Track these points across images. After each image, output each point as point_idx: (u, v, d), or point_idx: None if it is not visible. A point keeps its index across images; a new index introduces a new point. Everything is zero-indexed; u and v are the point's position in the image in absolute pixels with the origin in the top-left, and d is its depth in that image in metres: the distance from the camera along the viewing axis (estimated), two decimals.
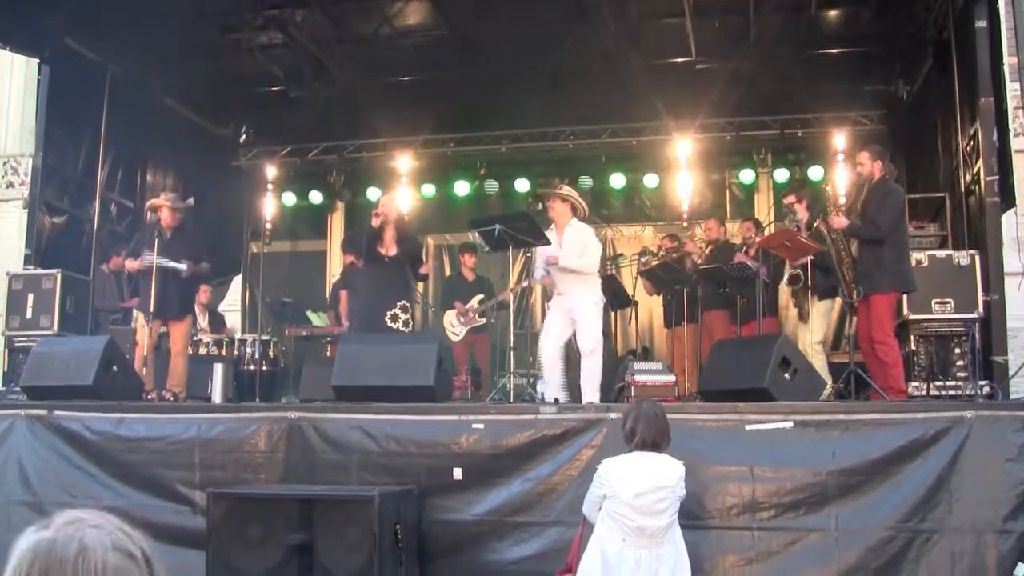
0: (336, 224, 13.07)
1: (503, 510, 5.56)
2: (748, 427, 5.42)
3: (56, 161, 9.07)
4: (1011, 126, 8.09)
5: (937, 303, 7.42)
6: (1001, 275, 7.38)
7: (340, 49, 9.70)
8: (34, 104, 9.48)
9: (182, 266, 7.86)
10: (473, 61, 9.66)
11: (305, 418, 6.02)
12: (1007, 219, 7.74)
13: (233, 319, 11.93)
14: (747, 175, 11.77)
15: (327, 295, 11.59)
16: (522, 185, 11.90)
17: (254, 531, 5.21)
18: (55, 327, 8.14)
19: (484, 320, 9.80)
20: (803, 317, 8.06)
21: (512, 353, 7.33)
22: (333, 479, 5.83)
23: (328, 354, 9.35)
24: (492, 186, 12.21)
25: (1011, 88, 8.91)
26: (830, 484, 5.21)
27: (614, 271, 10.65)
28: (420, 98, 10.54)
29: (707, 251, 9.32)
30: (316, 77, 9.95)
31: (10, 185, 15.57)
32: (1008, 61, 8.00)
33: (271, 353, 9.54)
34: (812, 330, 7.85)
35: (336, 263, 12.47)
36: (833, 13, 9.05)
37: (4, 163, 15.75)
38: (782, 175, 11.42)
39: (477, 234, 7.56)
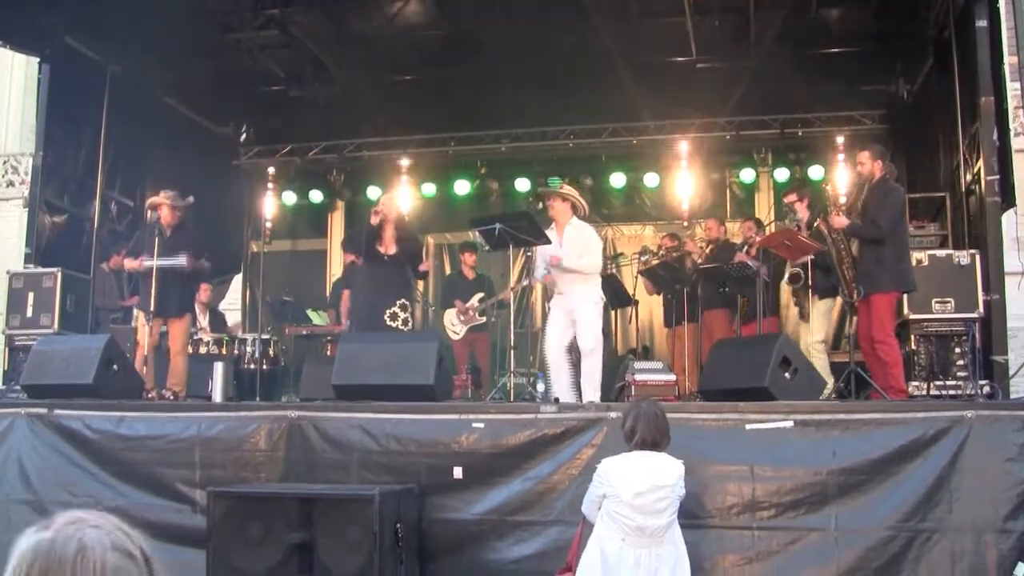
0: (336, 223, 13.08)
1: (503, 509, 5.56)
2: (748, 426, 5.42)
3: (56, 160, 9.06)
4: (1011, 125, 8.09)
5: (937, 303, 7.42)
6: (1001, 275, 7.39)
7: (340, 48, 9.69)
8: (34, 103, 9.48)
9: (181, 260, 7.84)
10: (473, 60, 9.65)
11: (305, 417, 6.02)
12: (1007, 218, 7.75)
13: (233, 318, 11.93)
14: (747, 174, 11.77)
15: (327, 294, 11.59)
16: (522, 184, 11.91)
17: (254, 530, 5.21)
18: (55, 326, 8.14)
19: (484, 319, 9.80)
20: (804, 316, 8.07)
21: (512, 352, 7.33)
22: (333, 478, 5.83)
23: (328, 353, 9.35)
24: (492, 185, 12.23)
25: (1011, 87, 8.93)
26: (830, 483, 5.21)
27: (614, 270, 10.65)
28: (420, 97, 10.53)
29: (707, 250, 9.32)
30: (316, 76, 9.94)
31: (10, 184, 15.58)
32: (1008, 60, 8.01)
33: (271, 352, 9.54)
34: (813, 330, 7.85)
35: (336, 262, 12.48)
36: (834, 12, 9.05)
37: (4, 162, 15.76)
38: (782, 174, 11.42)
39: (477, 233, 7.57)
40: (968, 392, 7.02)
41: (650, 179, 11.66)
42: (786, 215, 9.21)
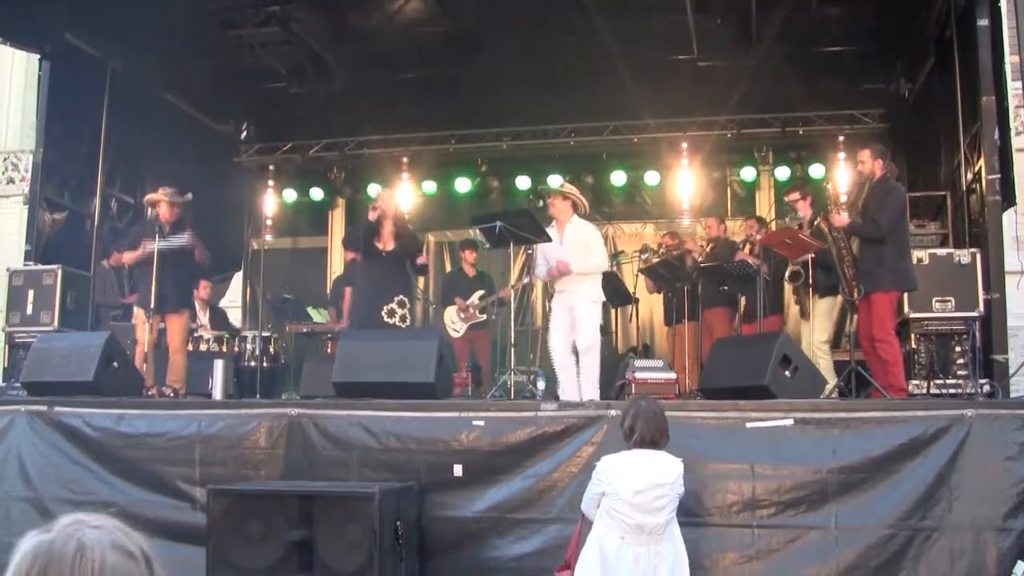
0: (337, 221, 13.09)
1: (503, 507, 5.56)
2: (749, 425, 5.42)
3: (57, 157, 9.06)
4: (1012, 124, 8.09)
5: (938, 301, 7.43)
6: (1002, 273, 7.39)
7: (341, 45, 9.69)
8: (35, 100, 9.48)
9: (183, 239, 7.83)
10: (474, 58, 9.65)
11: (305, 415, 6.02)
12: (1007, 217, 7.75)
13: (234, 315, 11.93)
14: (748, 173, 11.77)
15: (328, 292, 11.60)
16: (523, 182, 11.91)
17: (254, 527, 5.22)
18: (55, 323, 8.13)
19: (484, 316, 9.79)
20: (804, 315, 8.07)
21: (513, 350, 7.33)
22: (333, 475, 5.83)
23: (329, 350, 9.35)
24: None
25: (1012, 86, 8.93)
26: (830, 482, 5.21)
27: (615, 268, 10.65)
28: (421, 95, 10.54)
29: (708, 249, 9.32)
30: (317, 74, 9.94)
31: (10, 181, 15.57)
32: (1010, 59, 8.00)
33: (272, 349, 9.54)
34: (816, 330, 7.84)
35: (337, 260, 12.48)
36: (835, 11, 9.04)
37: (4, 159, 15.75)
38: (783, 173, 11.42)
39: (478, 230, 7.57)
40: (968, 391, 7.03)
41: (651, 177, 11.66)
42: (787, 213, 9.21)
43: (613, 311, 10.95)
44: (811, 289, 7.78)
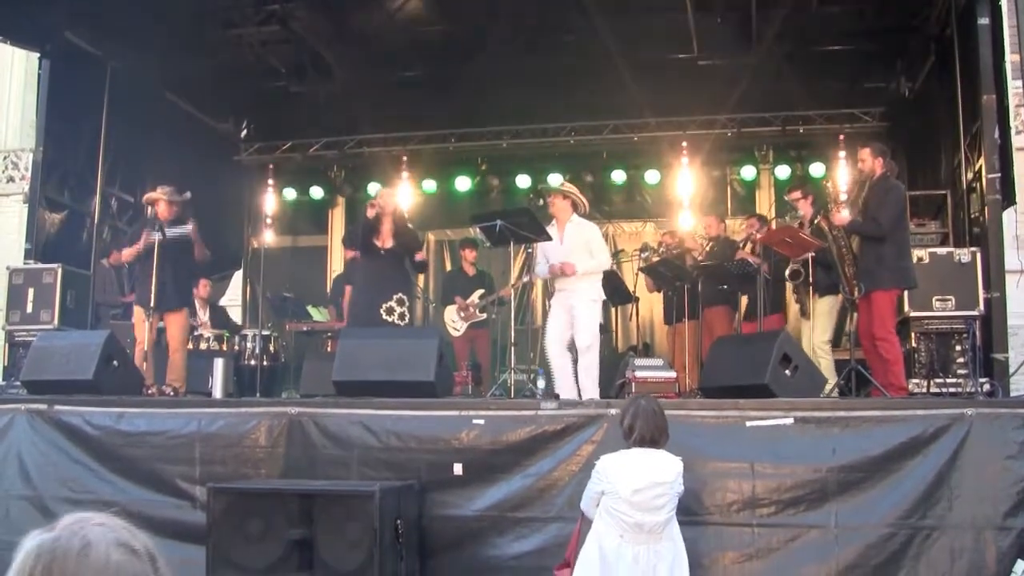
0: (337, 219, 13.08)
1: (503, 506, 5.56)
2: (749, 423, 5.42)
3: (57, 156, 9.05)
4: (1012, 123, 8.09)
5: (938, 300, 7.43)
6: (1002, 272, 7.39)
7: (341, 44, 9.68)
8: (34, 98, 9.47)
9: (188, 228, 7.83)
10: (474, 57, 9.65)
11: (305, 413, 6.02)
12: (1007, 216, 7.75)
13: (234, 314, 11.93)
14: (748, 171, 11.77)
15: (328, 290, 11.60)
16: (523, 181, 11.90)
17: (254, 526, 5.22)
18: (55, 322, 8.13)
19: (485, 315, 9.79)
20: (804, 314, 8.07)
21: (513, 349, 7.33)
22: (333, 474, 5.82)
23: (329, 349, 9.36)
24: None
25: (1013, 85, 8.92)
26: (830, 481, 5.21)
27: (615, 267, 10.65)
28: (421, 93, 10.52)
29: (708, 247, 9.31)
30: (317, 72, 9.93)
31: (10, 180, 15.58)
32: (1010, 58, 8.00)
33: (272, 348, 9.55)
34: (817, 329, 7.84)
35: (337, 258, 12.49)
36: (836, 10, 9.04)
37: (4, 158, 15.75)
38: (783, 172, 11.41)
39: (478, 229, 7.57)
40: (968, 390, 7.03)
41: (651, 176, 11.66)
42: (787, 212, 9.21)
43: (613, 310, 10.96)
44: (811, 288, 7.78)
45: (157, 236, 7.66)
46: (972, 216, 8.03)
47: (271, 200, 12.34)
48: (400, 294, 7.69)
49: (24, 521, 5.98)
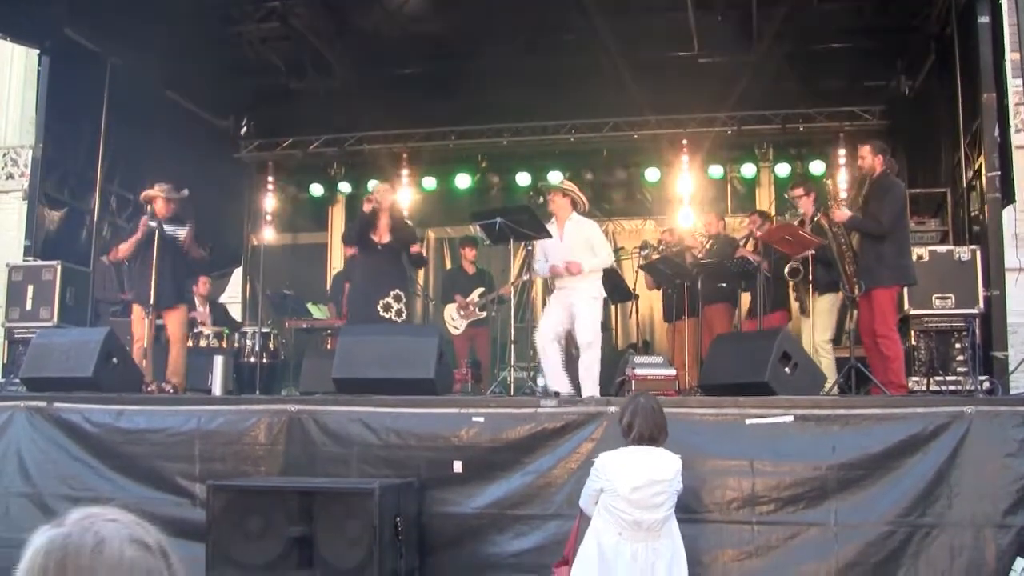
0: (336, 216, 13.07)
1: (503, 503, 5.57)
2: (748, 421, 5.42)
3: (56, 152, 9.04)
4: (1012, 122, 8.09)
5: (938, 298, 7.43)
6: (1001, 270, 7.39)
7: (341, 41, 9.68)
8: (34, 95, 9.45)
9: (183, 231, 7.82)
10: (474, 54, 9.64)
11: (305, 411, 6.02)
12: (1007, 214, 7.75)
13: (234, 311, 11.93)
14: (748, 169, 11.76)
15: (327, 288, 11.60)
16: (523, 178, 11.89)
17: (254, 523, 5.22)
18: (55, 319, 8.13)
19: (484, 314, 9.79)
20: (804, 312, 8.06)
21: (513, 346, 7.33)
22: (333, 472, 5.83)
23: (328, 346, 9.36)
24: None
25: (1013, 84, 8.92)
26: (830, 478, 5.21)
27: (614, 264, 10.64)
28: (421, 91, 10.52)
29: (707, 245, 9.31)
30: (317, 69, 9.93)
31: (10, 176, 15.55)
32: (1010, 56, 7.99)
33: (271, 345, 9.54)
34: (818, 328, 7.82)
35: (337, 255, 12.48)
36: (836, 8, 9.04)
37: (4, 154, 15.73)
38: (783, 170, 11.41)
39: (478, 227, 7.56)
40: (968, 388, 7.02)
41: (651, 174, 11.65)
42: (787, 210, 9.20)
43: (613, 308, 10.95)
44: (811, 286, 7.78)
45: (154, 225, 7.64)
46: (972, 214, 8.03)
47: (271, 197, 12.34)
48: (397, 290, 7.67)
49: (24, 518, 5.99)
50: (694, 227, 10.16)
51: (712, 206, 11.05)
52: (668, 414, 4.69)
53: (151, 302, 7.61)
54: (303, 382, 8.20)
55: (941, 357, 7.40)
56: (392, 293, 7.61)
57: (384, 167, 11.97)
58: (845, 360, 7.04)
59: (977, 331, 7.24)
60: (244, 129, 12.37)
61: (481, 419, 5.71)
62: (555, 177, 10.56)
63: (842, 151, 10.40)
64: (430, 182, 12.19)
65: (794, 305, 8.44)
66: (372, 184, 11.66)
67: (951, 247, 7.71)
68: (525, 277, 9.40)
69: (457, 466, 5.65)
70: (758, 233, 8.49)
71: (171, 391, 7.55)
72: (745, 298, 9.08)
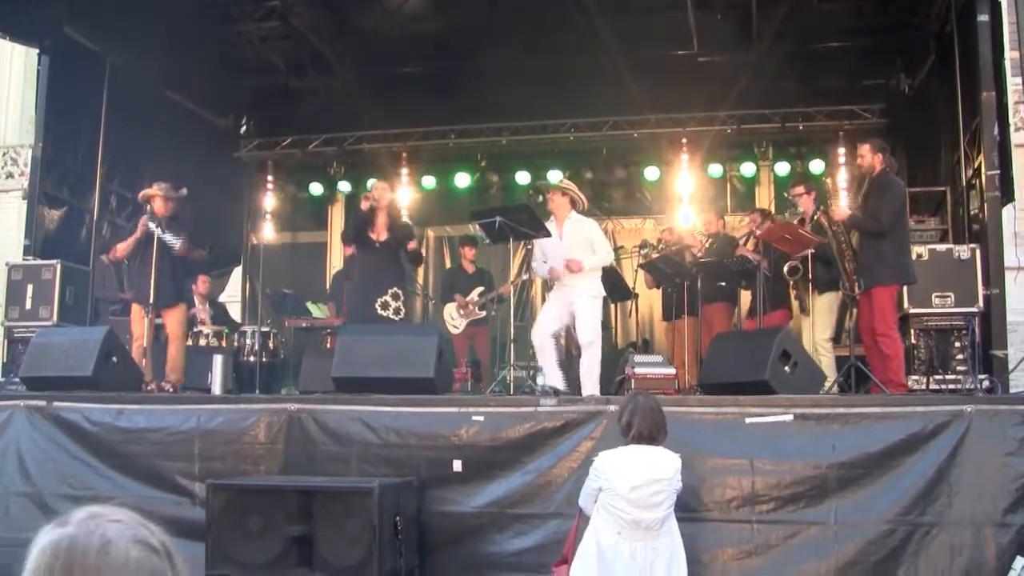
0: (336, 215, 13.05)
1: (503, 502, 5.57)
2: (748, 420, 5.42)
3: (56, 151, 9.02)
4: (1012, 120, 8.09)
5: (937, 297, 7.43)
6: (1001, 269, 7.39)
7: (341, 40, 9.68)
8: (34, 94, 9.45)
9: (176, 241, 7.81)
10: (474, 53, 9.64)
11: (305, 410, 6.02)
12: (1006, 213, 7.76)
13: (233, 310, 11.92)
14: (748, 168, 11.75)
15: (327, 287, 11.59)
16: (523, 177, 11.88)
17: (253, 522, 5.22)
18: (54, 318, 8.12)
19: (484, 313, 9.79)
20: (804, 311, 8.06)
21: (512, 346, 7.33)
22: (333, 471, 5.83)
23: (328, 346, 9.35)
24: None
25: (1012, 82, 8.93)
26: (830, 477, 5.21)
27: (614, 263, 10.63)
28: (421, 90, 10.52)
29: (707, 244, 9.30)
30: (317, 68, 9.93)
31: (10, 176, 15.56)
32: (1010, 55, 8.00)
33: (271, 344, 9.53)
34: (818, 327, 7.82)
35: (336, 254, 12.47)
36: (836, 7, 9.03)
37: (4, 154, 15.73)
38: (783, 168, 11.39)
39: (478, 226, 7.55)
40: (968, 386, 7.02)
41: (650, 172, 11.64)
42: (787, 209, 9.20)
43: (613, 306, 10.94)
44: (811, 285, 7.78)
45: (152, 227, 7.63)
46: (971, 213, 8.03)
47: (270, 196, 12.34)
48: (395, 288, 7.66)
49: (23, 518, 5.99)
50: (694, 226, 10.15)
51: (712, 205, 11.05)
52: (668, 413, 4.70)
53: (150, 301, 7.61)
54: (303, 381, 8.20)
55: (941, 356, 7.40)
56: (390, 291, 7.60)
57: (384, 166, 11.96)
58: (845, 359, 7.04)
59: (977, 330, 7.24)
60: (244, 128, 12.36)
61: (481, 418, 5.71)
62: (554, 176, 10.54)
63: (842, 150, 10.39)
64: (429, 181, 12.18)
65: (794, 304, 8.43)
66: (372, 183, 11.71)
67: (951, 246, 7.71)
68: (524, 276, 9.41)
69: (457, 465, 5.66)
70: (758, 232, 8.49)
71: (170, 390, 7.55)
72: (745, 297, 9.09)
